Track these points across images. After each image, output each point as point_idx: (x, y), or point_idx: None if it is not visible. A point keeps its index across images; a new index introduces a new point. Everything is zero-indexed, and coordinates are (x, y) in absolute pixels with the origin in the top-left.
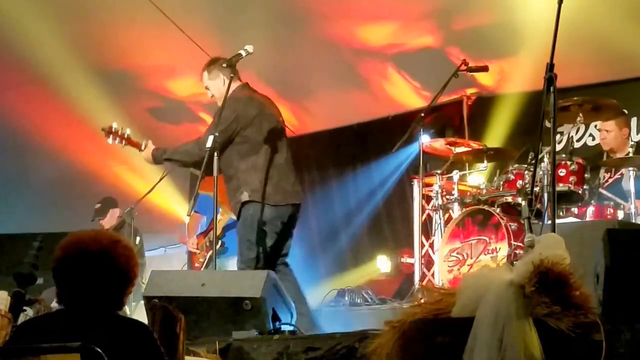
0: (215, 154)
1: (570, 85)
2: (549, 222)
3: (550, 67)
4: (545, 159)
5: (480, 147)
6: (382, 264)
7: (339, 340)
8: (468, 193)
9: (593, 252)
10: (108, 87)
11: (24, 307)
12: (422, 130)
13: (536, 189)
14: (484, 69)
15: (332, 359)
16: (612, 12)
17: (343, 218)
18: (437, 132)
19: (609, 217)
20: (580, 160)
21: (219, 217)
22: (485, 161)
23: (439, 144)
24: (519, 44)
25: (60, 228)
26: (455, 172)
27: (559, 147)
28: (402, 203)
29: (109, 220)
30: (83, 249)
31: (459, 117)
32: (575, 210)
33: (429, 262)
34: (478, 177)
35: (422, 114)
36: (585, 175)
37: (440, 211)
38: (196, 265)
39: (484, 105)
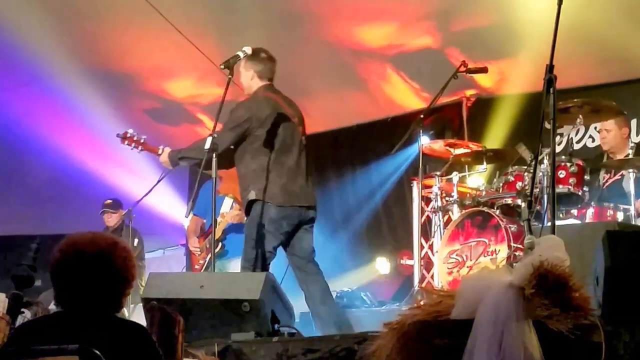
0: (214, 155)
1: (570, 86)
2: (549, 223)
3: (550, 68)
4: (545, 161)
5: (480, 149)
6: (382, 265)
7: (338, 342)
8: (467, 195)
9: (593, 254)
10: (105, 88)
11: (22, 309)
12: (421, 131)
13: (536, 190)
14: (484, 70)
15: None
16: (612, 13)
17: (342, 219)
18: (437, 133)
19: (608, 218)
20: (580, 162)
21: (219, 219)
22: (485, 163)
23: (439, 145)
24: (519, 45)
25: (58, 230)
26: (454, 173)
27: (558, 149)
28: (402, 205)
29: (115, 219)
30: (81, 250)
31: (458, 119)
32: (575, 211)
33: (428, 264)
34: (477, 178)
35: (422, 116)
36: (585, 176)
37: (440, 213)
38: (196, 267)
39: (484, 106)
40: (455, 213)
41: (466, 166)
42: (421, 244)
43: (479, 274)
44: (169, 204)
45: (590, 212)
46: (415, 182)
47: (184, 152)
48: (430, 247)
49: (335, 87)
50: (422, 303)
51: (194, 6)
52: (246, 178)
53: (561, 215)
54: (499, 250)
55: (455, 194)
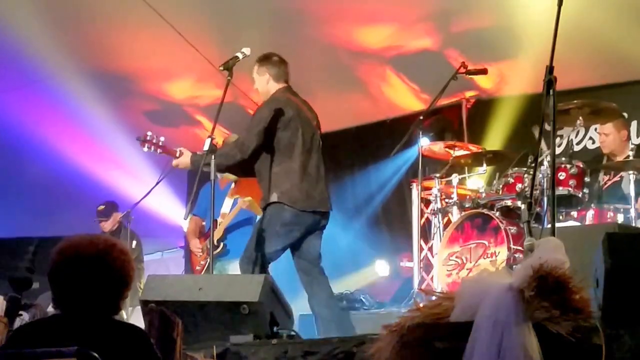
0: (213, 156)
1: (570, 88)
2: (549, 225)
3: (550, 69)
4: (545, 162)
5: (480, 151)
6: (381, 267)
7: (337, 344)
8: (467, 197)
9: (593, 256)
10: (104, 90)
11: (20, 312)
12: (421, 133)
13: (536, 192)
14: (483, 71)
15: None
16: (612, 14)
17: (341, 221)
18: (436, 135)
19: (608, 220)
20: (580, 164)
21: (219, 220)
22: (485, 164)
23: (438, 147)
24: (518, 46)
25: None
26: (454, 175)
27: (558, 151)
28: (401, 206)
29: (111, 223)
30: (78, 253)
31: (458, 120)
32: (575, 213)
33: (427, 266)
34: (477, 180)
35: (421, 117)
36: (585, 178)
37: (439, 215)
38: (197, 268)
39: (483, 108)
40: (455, 215)
41: (466, 168)
42: (421, 246)
43: (479, 276)
44: (167, 206)
45: (590, 214)
46: (414, 184)
47: (208, 158)
48: (430, 249)
49: (335, 89)
50: (421, 305)
51: (193, 7)
52: (267, 180)
53: (561, 217)
54: (499, 253)
55: (454, 196)
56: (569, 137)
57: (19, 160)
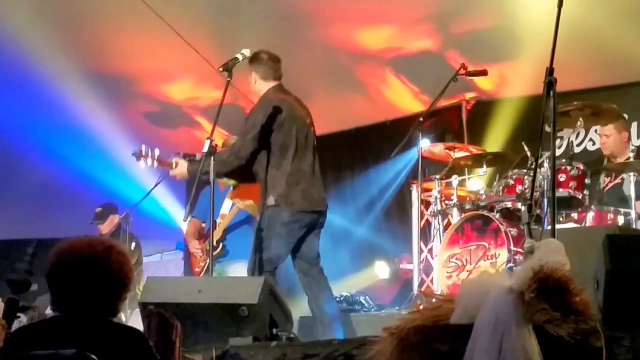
0: (212, 158)
1: (570, 89)
2: (549, 227)
3: (550, 71)
4: (545, 164)
5: (480, 152)
6: (381, 269)
7: (336, 347)
8: (467, 198)
9: (593, 258)
10: (103, 91)
11: (18, 314)
12: (420, 134)
13: (536, 194)
14: (483, 73)
15: None
16: (612, 16)
17: (341, 223)
18: (436, 136)
19: (609, 222)
20: (580, 165)
21: (219, 220)
22: (485, 166)
23: (438, 148)
24: (519, 47)
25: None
26: (454, 177)
27: (559, 152)
28: (401, 208)
29: (107, 226)
30: (77, 254)
31: (458, 122)
32: (575, 215)
33: (427, 268)
34: (477, 182)
35: (421, 119)
36: (586, 180)
37: (439, 216)
38: (196, 269)
39: (483, 109)
40: (455, 217)
41: (466, 169)
42: (420, 247)
43: (479, 278)
44: (166, 208)
45: (590, 216)
46: (414, 186)
47: (207, 162)
48: (430, 251)
49: (334, 90)
50: (421, 307)
51: (192, 8)
52: (265, 183)
53: (561, 219)
54: (499, 254)
55: (454, 198)
56: (569, 138)
57: (17, 161)
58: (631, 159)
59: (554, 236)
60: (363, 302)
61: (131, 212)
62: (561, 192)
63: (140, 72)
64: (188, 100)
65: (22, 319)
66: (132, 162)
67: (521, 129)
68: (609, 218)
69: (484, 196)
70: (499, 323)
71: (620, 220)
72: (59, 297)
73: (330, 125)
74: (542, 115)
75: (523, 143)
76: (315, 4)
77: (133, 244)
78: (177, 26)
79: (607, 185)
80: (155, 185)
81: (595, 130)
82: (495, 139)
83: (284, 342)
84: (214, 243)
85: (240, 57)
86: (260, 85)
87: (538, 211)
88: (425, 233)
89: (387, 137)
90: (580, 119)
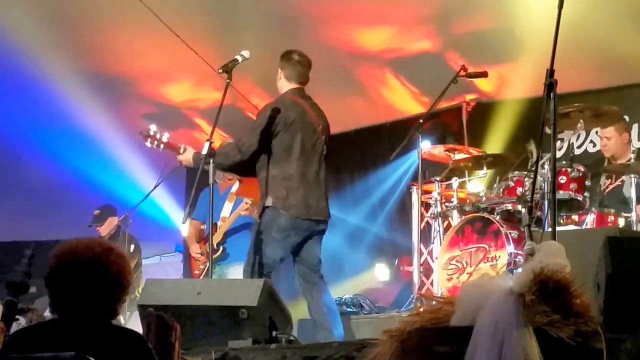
0: (212, 160)
1: (570, 91)
2: (550, 229)
3: (551, 73)
4: (546, 166)
5: (480, 154)
6: (381, 272)
7: (336, 349)
8: (467, 200)
9: (594, 260)
10: (101, 93)
11: (17, 316)
12: (420, 136)
13: (536, 196)
14: (483, 74)
15: None
16: (613, 18)
17: (341, 226)
18: (436, 138)
19: (609, 224)
20: (580, 167)
21: (219, 223)
22: (485, 168)
23: (438, 150)
24: (519, 49)
25: (53, 236)
26: (454, 179)
27: (559, 154)
28: (401, 210)
29: (106, 228)
30: (75, 257)
31: (458, 124)
32: (575, 217)
33: (427, 270)
34: (477, 184)
35: (421, 120)
36: (586, 182)
37: (439, 219)
38: (196, 272)
39: (484, 111)
40: (455, 219)
41: (466, 171)
42: (420, 250)
43: (479, 280)
44: (166, 210)
45: (591, 218)
46: (414, 188)
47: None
48: (430, 253)
49: (333, 92)
50: (421, 310)
51: (191, 9)
52: (266, 183)
53: (562, 221)
54: (499, 257)
55: (455, 200)
56: (569, 140)
57: (15, 163)
58: (632, 161)
59: (554, 238)
60: (363, 304)
61: (130, 214)
62: (562, 194)
63: (139, 73)
64: (187, 102)
65: (21, 322)
66: (131, 164)
67: (521, 131)
68: (609, 220)
69: (484, 198)
70: (500, 325)
71: (621, 222)
72: (58, 299)
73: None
74: (543, 117)
75: (531, 141)
76: (315, 4)
77: (132, 246)
78: (176, 27)
79: (607, 187)
80: (155, 187)
81: (596, 132)
82: (496, 141)
83: (283, 344)
84: (214, 246)
85: (239, 58)
86: (282, 84)
87: (538, 213)
88: (426, 235)
89: (387, 139)
90: (581, 120)
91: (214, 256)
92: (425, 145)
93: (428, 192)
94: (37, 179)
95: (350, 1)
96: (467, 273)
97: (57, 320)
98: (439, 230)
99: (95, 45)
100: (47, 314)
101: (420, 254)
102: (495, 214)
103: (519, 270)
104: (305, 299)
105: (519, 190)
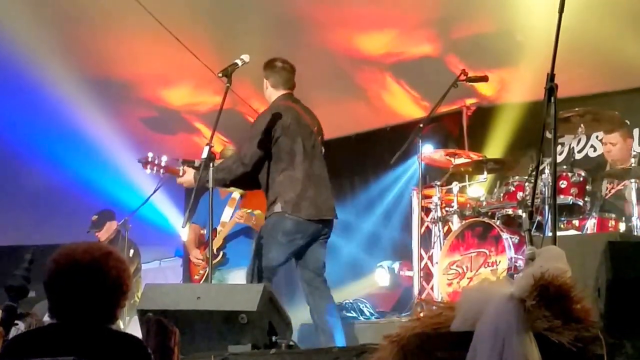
0: (211, 164)
1: (571, 95)
2: (550, 234)
3: (551, 77)
4: (546, 171)
5: (480, 158)
6: (381, 277)
7: (336, 354)
8: (468, 205)
9: (594, 265)
10: (101, 96)
11: (16, 321)
12: (421, 141)
13: (537, 200)
14: (484, 79)
15: None
16: (614, 22)
17: (341, 230)
18: (437, 143)
19: (610, 229)
20: (581, 172)
21: (219, 228)
22: (485, 172)
23: (438, 155)
24: (520, 53)
25: (52, 240)
26: (454, 183)
27: (560, 159)
28: (401, 215)
29: (105, 233)
30: (74, 261)
31: (458, 128)
32: (576, 222)
33: (428, 275)
34: (478, 188)
35: (421, 125)
36: (587, 187)
37: (440, 223)
38: (195, 277)
39: (484, 115)
40: (455, 223)
41: (466, 176)
42: (421, 254)
43: (480, 285)
44: (165, 214)
45: (591, 223)
46: (415, 192)
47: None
48: (430, 258)
49: (334, 96)
50: (422, 315)
51: (191, 14)
52: (272, 190)
53: (562, 226)
54: (500, 261)
55: (455, 204)
56: (570, 145)
57: (14, 167)
58: (633, 165)
59: (555, 243)
60: (363, 309)
61: (130, 219)
62: (562, 198)
63: (139, 77)
64: (187, 106)
65: (20, 326)
66: (130, 168)
67: (522, 135)
68: (610, 225)
69: (484, 203)
70: (500, 331)
71: (622, 227)
72: (57, 304)
73: (329, 131)
74: (543, 122)
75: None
76: (315, 9)
77: (132, 251)
78: (176, 31)
79: (609, 192)
80: (154, 192)
81: (597, 137)
82: (496, 145)
83: (283, 349)
84: (214, 251)
85: (239, 62)
86: (270, 92)
87: (539, 218)
88: (426, 240)
89: (388, 143)
90: (582, 125)
91: (214, 261)
92: (426, 150)
93: (428, 196)
94: (36, 183)
95: (350, 6)
96: (468, 278)
97: (56, 325)
98: (439, 235)
99: (95, 49)
100: (46, 318)
101: (421, 258)
102: (496, 218)
103: (520, 275)
104: (307, 302)
105: (520, 194)
